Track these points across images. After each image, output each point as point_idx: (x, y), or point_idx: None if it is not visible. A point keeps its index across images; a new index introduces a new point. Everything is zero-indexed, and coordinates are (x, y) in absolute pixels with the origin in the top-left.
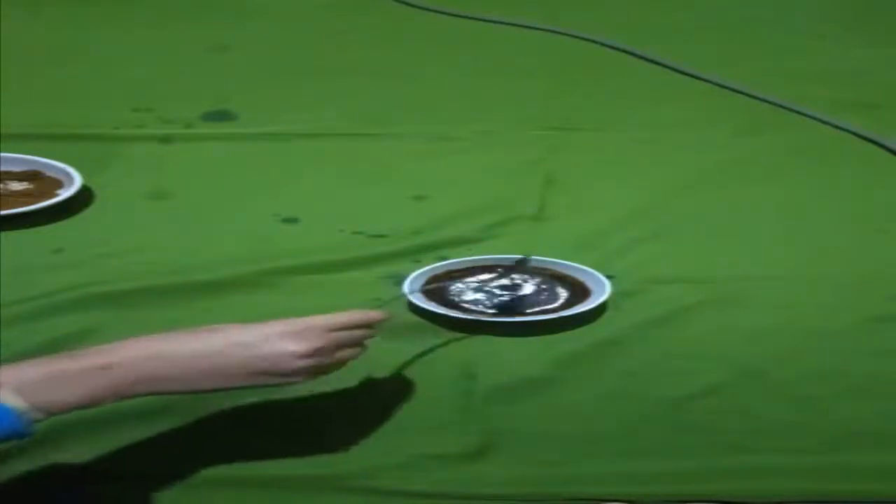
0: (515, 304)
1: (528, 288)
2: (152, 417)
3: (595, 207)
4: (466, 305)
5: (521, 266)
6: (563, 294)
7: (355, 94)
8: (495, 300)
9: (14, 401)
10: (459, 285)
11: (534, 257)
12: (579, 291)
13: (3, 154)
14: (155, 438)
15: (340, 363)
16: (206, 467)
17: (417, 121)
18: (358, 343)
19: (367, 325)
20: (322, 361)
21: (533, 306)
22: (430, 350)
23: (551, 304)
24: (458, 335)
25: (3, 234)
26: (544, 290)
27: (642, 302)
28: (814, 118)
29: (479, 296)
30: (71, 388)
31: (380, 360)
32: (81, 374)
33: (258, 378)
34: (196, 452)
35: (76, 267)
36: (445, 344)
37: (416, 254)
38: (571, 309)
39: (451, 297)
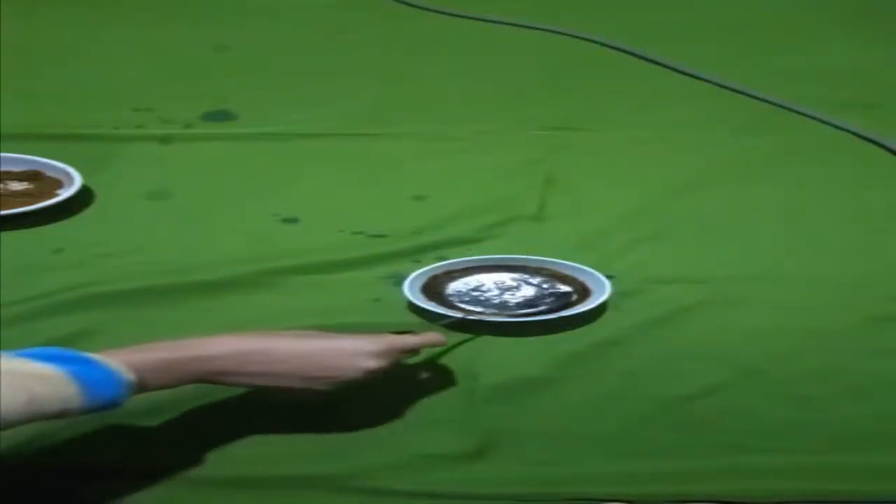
0: (517, 306)
1: (528, 290)
2: (150, 417)
3: (595, 207)
4: (466, 306)
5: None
6: (563, 294)
7: (355, 94)
8: (496, 301)
9: (128, 373)
10: (459, 287)
11: (532, 257)
12: (579, 291)
13: (3, 154)
14: (154, 438)
15: None
16: (206, 467)
17: (417, 121)
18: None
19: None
20: (379, 376)
21: (532, 307)
22: (440, 354)
23: (551, 304)
24: (463, 336)
25: (3, 234)
26: (545, 290)
27: (642, 302)
28: (814, 118)
29: (478, 296)
30: (166, 375)
31: None
32: (185, 363)
33: (324, 382)
34: (195, 452)
35: (76, 267)
36: (458, 345)
37: (416, 254)
38: (571, 309)
39: (451, 298)
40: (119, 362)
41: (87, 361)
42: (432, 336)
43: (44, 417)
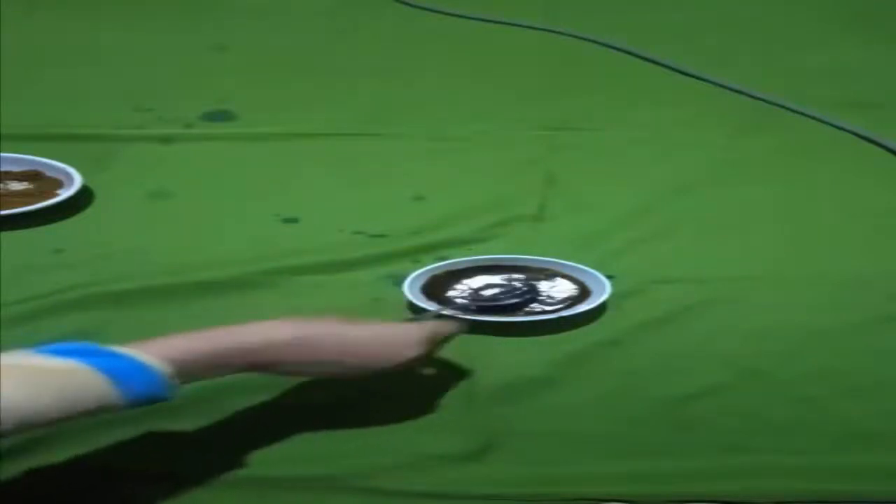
0: (515, 305)
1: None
2: (150, 417)
3: (595, 207)
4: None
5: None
6: (563, 294)
7: (355, 94)
8: (497, 299)
9: (161, 364)
10: (459, 288)
11: (530, 257)
12: (579, 291)
13: (3, 154)
14: (153, 438)
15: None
16: (205, 467)
17: (417, 121)
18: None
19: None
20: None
21: (532, 306)
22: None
23: (551, 304)
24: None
25: (3, 234)
26: (544, 290)
27: (642, 302)
28: (814, 118)
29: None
30: (211, 367)
31: None
32: (229, 356)
33: (363, 370)
34: (195, 453)
35: (76, 267)
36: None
37: (416, 254)
38: (571, 309)
39: (451, 298)
40: (152, 355)
41: (115, 355)
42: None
43: (82, 415)
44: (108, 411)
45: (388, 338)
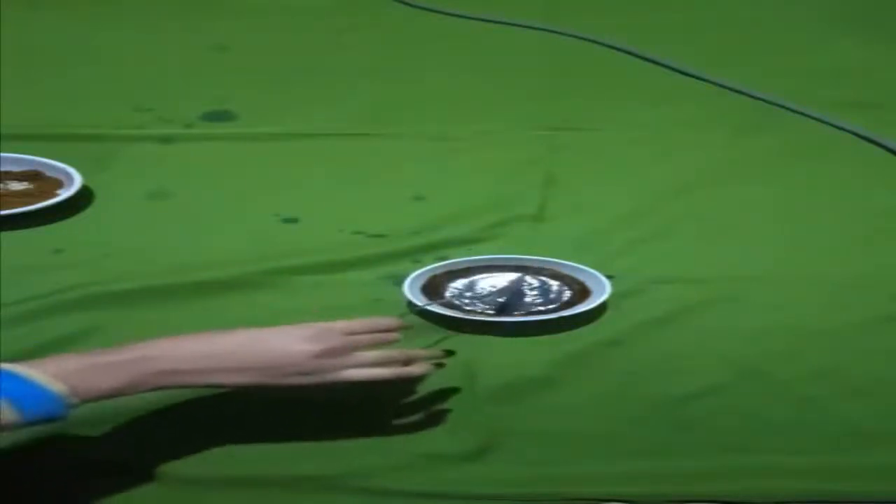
0: (514, 305)
1: (528, 290)
2: (150, 417)
3: (595, 207)
4: (466, 306)
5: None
6: (563, 294)
7: (355, 94)
8: (496, 301)
9: (57, 385)
10: (459, 286)
11: (530, 257)
12: (579, 291)
13: (3, 154)
14: (153, 438)
15: (365, 365)
16: (206, 467)
17: (417, 121)
18: (374, 343)
19: (386, 330)
20: (336, 362)
21: (533, 306)
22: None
23: (551, 304)
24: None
25: (3, 234)
26: (544, 290)
27: (642, 302)
28: (814, 118)
29: (479, 294)
30: (105, 377)
31: None
32: (116, 366)
33: (273, 373)
34: (195, 452)
35: (76, 267)
36: (443, 339)
37: (416, 254)
38: (571, 309)
39: (451, 298)
40: (45, 373)
41: (15, 378)
42: (388, 319)
43: None
44: (6, 430)
45: (268, 335)
